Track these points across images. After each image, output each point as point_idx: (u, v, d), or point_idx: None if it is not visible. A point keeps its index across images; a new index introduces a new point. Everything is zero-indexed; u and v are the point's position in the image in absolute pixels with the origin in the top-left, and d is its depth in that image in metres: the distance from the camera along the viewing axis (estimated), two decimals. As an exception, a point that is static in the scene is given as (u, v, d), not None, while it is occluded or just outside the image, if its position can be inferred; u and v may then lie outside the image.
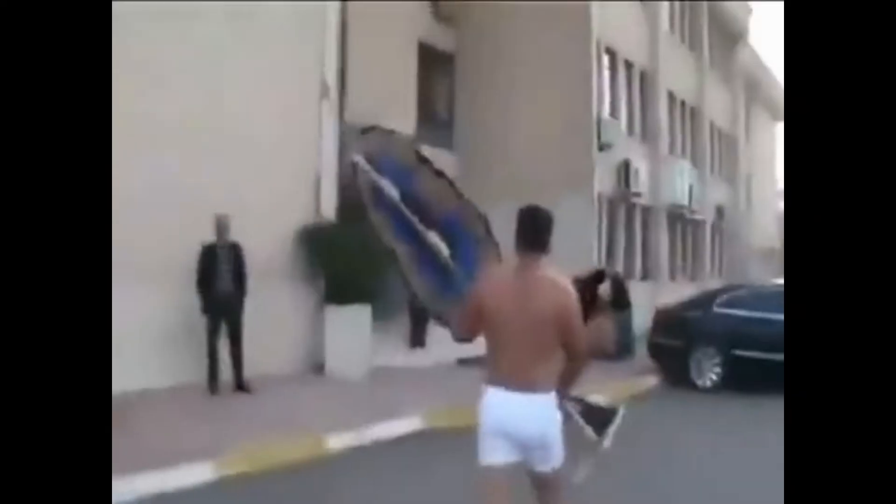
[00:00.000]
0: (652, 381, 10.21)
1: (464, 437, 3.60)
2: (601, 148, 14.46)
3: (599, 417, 3.67)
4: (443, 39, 15.59)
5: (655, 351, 10.48)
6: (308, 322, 9.81)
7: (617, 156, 14.81)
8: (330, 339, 9.73)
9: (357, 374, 9.53)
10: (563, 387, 3.13)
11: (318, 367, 9.65)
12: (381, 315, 10.49)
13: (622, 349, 11.66)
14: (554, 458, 3.10)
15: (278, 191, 9.62)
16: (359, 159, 4.53)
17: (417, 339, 11.70)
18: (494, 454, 3.06)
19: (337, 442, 6.36)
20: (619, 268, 15.27)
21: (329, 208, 10.26)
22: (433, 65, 15.58)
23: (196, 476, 5.17)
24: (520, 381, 2.99)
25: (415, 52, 14.70)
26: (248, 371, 8.33)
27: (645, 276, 17.02)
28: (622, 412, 3.93)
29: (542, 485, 3.16)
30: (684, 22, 20.36)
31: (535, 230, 3.10)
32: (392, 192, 4.36)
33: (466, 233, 4.46)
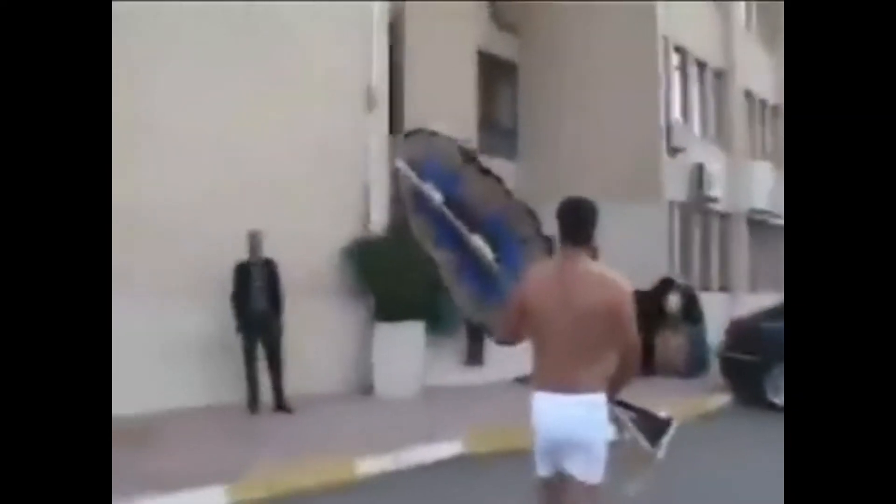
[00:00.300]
0: (723, 399, 9.35)
1: (506, 462, 3.54)
2: (671, 152, 13.64)
3: (654, 426, 3.39)
4: (504, 47, 15.16)
5: (728, 367, 9.59)
6: (357, 340, 9.51)
7: (689, 160, 13.91)
8: (379, 358, 9.41)
9: (407, 394, 9.17)
10: (612, 391, 2.92)
11: (368, 388, 9.34)
12: (436, 332, 10.09)
13: (694, 365, 10.80)
14: (594, 467, 2.86)
15: (325, 205, 9.40)
16: (401, 165, 4.36)
17: (474, 356, 11.20)
18: (547, 465, 2.90)
19: (368, 466, 5.96)
20: (695, 278, 14.34)
21: (379, 221, 9.97)
22: (494, 73, 15.17)
23: (205, 501, 4.88)
24: (564, 382, 2.82)
25: (474, 60, 14.32)
26: (293, 391, 8.08)
27: (723, 287, 15.94)
28: (675, 423, 3.59)
29: (572, 500, 2.88)
30: (761, 18, 19.16)
31: (577, 221, 2.93)
32: (434, 195, 4.13)
33: (512, 233, 4.28)
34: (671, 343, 11.00)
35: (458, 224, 4.17)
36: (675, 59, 14.42)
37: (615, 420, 3.08)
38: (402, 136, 4.80)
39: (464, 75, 14.07)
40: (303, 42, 9.22)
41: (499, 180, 4.30)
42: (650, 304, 11.26)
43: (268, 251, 8.07)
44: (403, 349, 9.42)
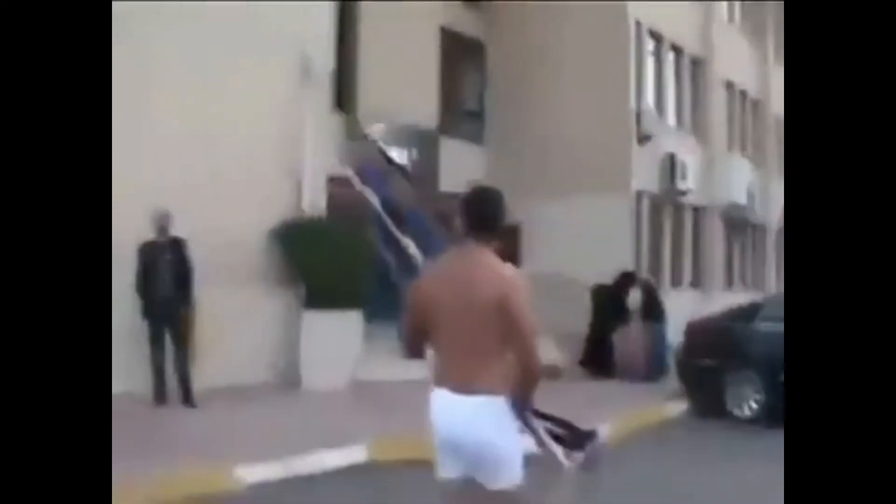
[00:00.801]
0: (679, 407, 8.64)
1: (411, 473, 3.25)
2: (641, 140, 12.89)
3: (574, 438, 3.07)
4: (470, 25, 14.34)
5: (685, 372, 8.86)
6: (286, 329, 8.77)
7: (661, 150, 13.16)
8: (306, 349, 8.69)
9: (334, 389, 8.46)
10: (519, 397, 2.70)
11: (295, 381, 8.62)
12: (373, 321, 9.38)
13: (653, 368, 10.10)
14: (500, 472, 2.68)
15: (254, 184, 8.64)
16: (350, 174, 4.87)
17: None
18: (446, 467, 2.76)
19: (251, 474, 5.23)
20: (665, 274, 13.63)
21: (314, 203, 9.21)
22: (460, 52, 14.35)
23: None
24: (459, 382, 2.67)
25: (436, 37, 13.53)
26: (214, 382, 7.45)
27: (695, 283, 15.24)
28: (601, 436, 3.35)
29: None
30: (746, 9, 18.38)
31: (479, 214, 2.76)
32: (373, 200, 4.65)
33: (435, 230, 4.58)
34: (629, 343, 10.30)
35: (391, 224, 4.52)
36: (649, 43, 13.63)
37: (529, 430, 2.85)
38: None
39: (425, 53, 13.26)
40: (238, 16, 8.43)
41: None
42: (608, 299, 10.57)
43: (190, 233, 7.36)
44: (333, 339, 8.69)
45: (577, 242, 12.64)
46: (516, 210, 13.83)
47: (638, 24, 13.04)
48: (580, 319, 11.08)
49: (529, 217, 13.63)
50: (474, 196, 2.82)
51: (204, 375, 7.56)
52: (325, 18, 9.51)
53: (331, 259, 8.72)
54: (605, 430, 7.01)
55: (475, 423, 2.65)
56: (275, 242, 8.73)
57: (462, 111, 14.75)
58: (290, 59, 9.02)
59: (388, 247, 4.75)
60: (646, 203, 13.44)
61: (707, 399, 8.40)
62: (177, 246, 7.25)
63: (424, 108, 13.16)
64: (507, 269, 2.68)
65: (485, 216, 2.76)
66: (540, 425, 2.97)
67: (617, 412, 7.84)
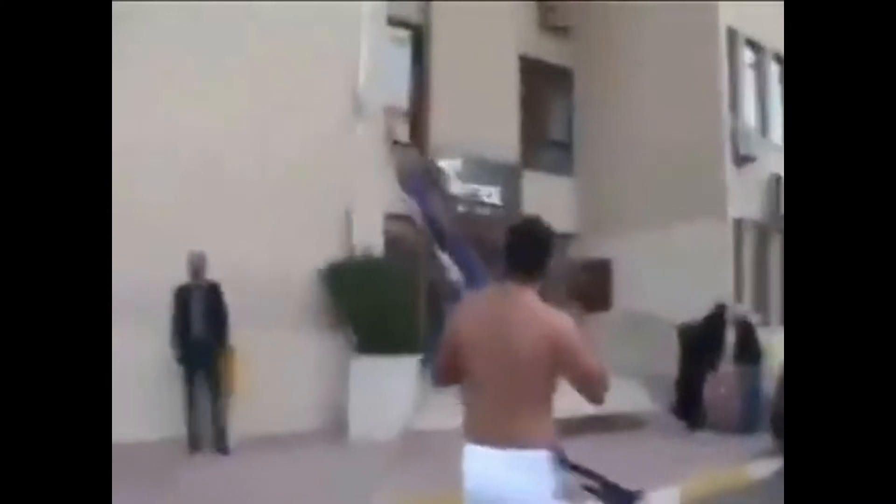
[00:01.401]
0: (770, 467, 7.34)
1: None
2: (739, 162, 11.58)
3: (616, 497, 2.71)
4: (555, 52, 13.72)
5: (779, 424, 7.57)
6: (334, 376, 8.40)
7: (764, 171, 11.75)
8: (355, 397, 8.26)
9: (383, 439, 7.95)
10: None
11: (343, 429, 8.21)
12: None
13: (747, 419, 8.77)
14: None
15: (303, 223, 8.44)
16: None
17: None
18: None
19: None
20: (772, 312, 12.05)
21: (366, 242, 8.86)
22: (544, 81, 13.74)
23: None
24: (498, 435, 2.44)
25: (515, 66, 13.00)
26: (255, 429, 7.26)
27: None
28: (645, 499, 2.95)
29: None
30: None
31: (523, 251, 2.56)
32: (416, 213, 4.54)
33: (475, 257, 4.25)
34: (719, 389, 9.05)
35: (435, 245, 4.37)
36: (747, 55, 12.32)
37: (566, 488, 2.51)
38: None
39: (503, 83, 12.76)
40: (286, 46, 8.38)
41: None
42: (697, 340, 9.36)
43: (236, 274, 7.31)
44: (383, 386, 8.21)
45: (671, 277, 11.48)
46: (607, 244, 13.20)
47: (732, 33, 11.80)
48: (674, 362, 9.94)
49: (621, 251, 12.67)
50: (519, 232, 2.58)
51: (244, 422, 7.38)
52: (380, 53, 9.25)
53: (382, 301, 8.30)
54: (673, 495, 6.05)
55: (516, 481, 2.39)
56: (323, 283, 8.46)
57: (548, 142, 14.06)
58: (341, 95, 8.84)
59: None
60: (748, 231, 12.01)
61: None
62: (212, 290, 7.14)
63: (504, 140, 12.62)
64: (553, 311, 2.49)
65: (530, 257, 2.54)
66: (579, 481, 2.62)
67: (694, 471, 6.80)
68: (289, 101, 8.33)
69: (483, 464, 2.46)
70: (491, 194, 12.20)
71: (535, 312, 2.48)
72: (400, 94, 11.89)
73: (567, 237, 13.56)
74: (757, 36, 12.21)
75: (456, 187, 11.78)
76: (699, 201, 11.49)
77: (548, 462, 2.41)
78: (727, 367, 9.16)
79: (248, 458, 6.89)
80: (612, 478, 2.72)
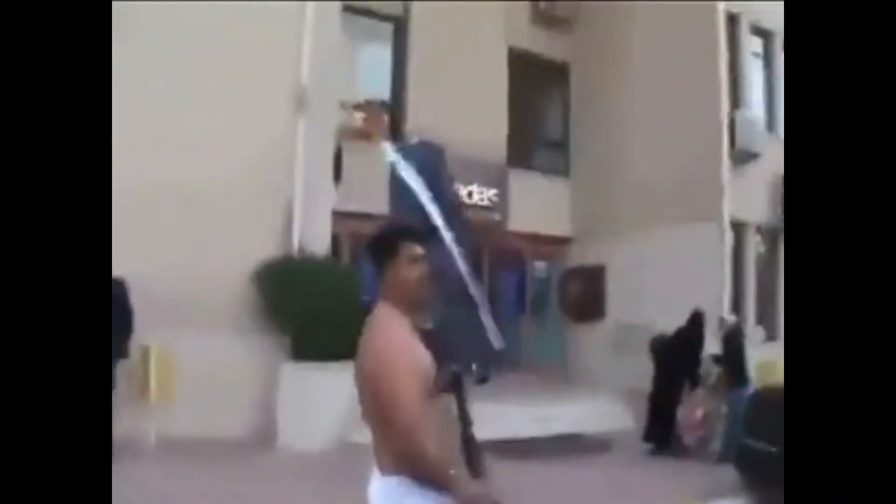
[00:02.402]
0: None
1: None
2: (739, 158, 10.49)
3: None
4: (550, 46, 12.87)
5: (745, 458, 6.53)
6: (264, 381, 7.82)
7: (767, 170, 10.60)
8: (283, 404, 7.66)
9: (313, 449, 7.32)
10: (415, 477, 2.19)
11: (272, 437, 7.62)
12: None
13: (727, 447, 7.64)
14: None
15: (241, 221, 7.93)
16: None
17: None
18: None
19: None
20: (777, 326, 10.84)
21: (309, 241, 8.27)
22: (538, 76, 12.92)
23: None
24: (375, 460, 2.34)
25: (504, 60, 12.24)
26: (185, 432, 6.92)
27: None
28: None
29: None
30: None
31: (370, 247, 2.43)
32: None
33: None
34: (696, 412, 8.03)
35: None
36: (754, 42, 11.19)
37: None
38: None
39: (491, 78, 12.01)
40: (228, 42, 7.91)
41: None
42: (670, 354, 8.37)
43: (167, 272, 7.06)
44: (315, 394, 7.59)
45: (668, 285, 10.48)
46: (601, 248, 12.26)
47: (735, 20, 10.74)
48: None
49: (616, 256, 11.73)
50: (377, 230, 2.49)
51: (166, 425, 6.94)
52: (328, 46, 8.64)
53: (317, 303, 7.68)
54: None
55: None
56: (256, 283, 7.90)
57: (541, 140, 13.22)
58: (284, 88, 8.28)
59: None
60: (750, 236, 10.88)
61: (774, 499, 6.02)
62: (117, 287, 6.64)
63: (491, 137, 11.85)
64: (381, 333, 2.28)
65: (373, 251, 2.41)
66: None
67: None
68: (227, 93, 7.85)
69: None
70: (472, 194, 11.45)
71: (368, 332, 2.32)
72: (379, 87, 11.37)
73: (561, 241, 12.69)
74: (765, 23, 11.09)
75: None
76: (697, 203, 10.47)
77: (398, 488, 2.22)
78: (703, 388, 8.14)
79: (162, 462, 6.42)
80: None
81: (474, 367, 2.78)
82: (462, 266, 4.19)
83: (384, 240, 2.40)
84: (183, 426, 7.02)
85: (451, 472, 2.18)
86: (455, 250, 4.29)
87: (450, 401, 2.36)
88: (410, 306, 2.35)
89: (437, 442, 2.17)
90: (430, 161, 4.64)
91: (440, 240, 4.19)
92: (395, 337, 2.26)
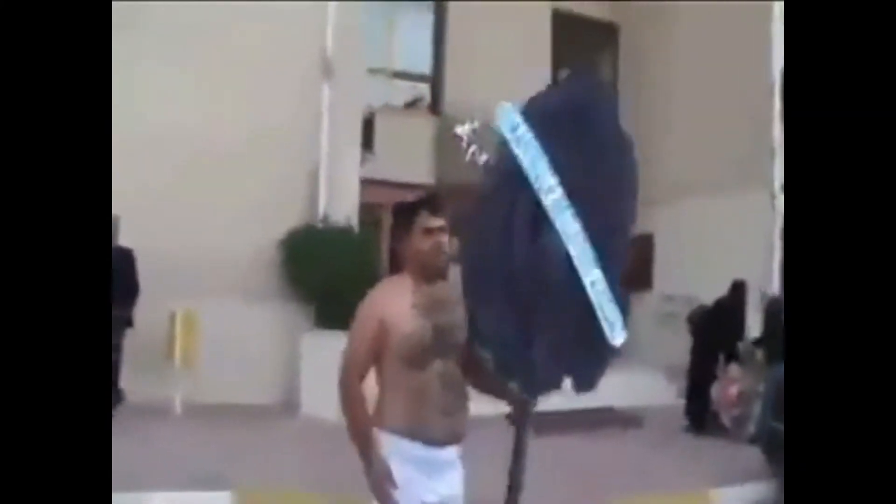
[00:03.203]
0: (753, 491, 5.91)
1: None
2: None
3: None
4: (598, 7, 12.24)
5: (772, 441, 6.08)
6: (290, 349, 7.83)
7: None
8: (306, 372, 7.66)
9: (334, 417, 7.28)
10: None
11: (295, 405, 7.65)
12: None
13: (759, 429, 7.16)
14: None
15: (266, 190, 7.92)
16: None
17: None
18: None
19: None
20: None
21: (335, 211, 8.17)
22: (583, 39, 12.34)
23: None
24: None
25: (547, 23, 11.74)
26: (210, 399, 7.05)
27: None
28: None
29: None
30: None
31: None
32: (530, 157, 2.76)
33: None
34: (731, 389, 7.56)
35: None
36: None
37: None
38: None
39: (534, 42, 11.54)
40: (254, 8, 7.83)
41: None
42: (708, 328, 7.90)
43: (194, 242, 7.19)
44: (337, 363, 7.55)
45: (716, 255, 9.94)
46: (649, 216, 11.71)
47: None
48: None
49: (664, 225, 11.17)
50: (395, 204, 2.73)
51: (191, 391, 7.07)
52: (355, 13, 8.43)
53: (340, 271, 7.62)
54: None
55: None
56: (281, 252, 7.88)
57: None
58: (309, 56, 8.15)
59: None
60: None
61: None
62: (122, 255, 6.71)
63: (533, 103, 11.43)
64: (369, 295, 2.50)
65: (392, 224, 2.71)
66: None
67: (645, 486, 5.62)
68: (252, 61, 7.80)
69: None
70: (511, 163, 11.11)
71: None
72: (417, 56, 11.15)
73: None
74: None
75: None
76: (747, 168, 9.79)
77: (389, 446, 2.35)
78: (739, 363, 7.65)
79: (186, 427, 6.61)
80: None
81: (570, 381, 2.30)
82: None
83: (401, 212, 2.49)
84: (207, 393, 7.13)
85: (368, 437, 2.33)
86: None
87: (452, 368, 2.38)
88: (425, 276, 2.39)
89: (414, 404, 2.31)
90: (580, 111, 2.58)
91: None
92: (376, 299, 2.41)
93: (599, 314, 2.19)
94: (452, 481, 2.45)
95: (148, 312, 6.90)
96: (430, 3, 11.29)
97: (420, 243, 2.40)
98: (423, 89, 11.47)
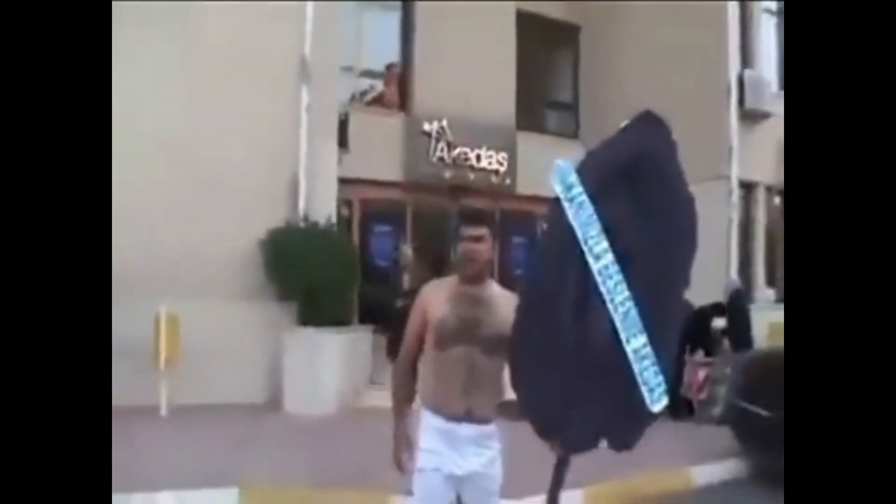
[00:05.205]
0: (725, 469, 6.16)
1: None
2: (747, 118, 10.06)
3: None
4: (559, 8, 12.39)
5: (737, 420, 6.34)
6: (274, 347, 7.76)
7: (779, 130, 10.14)
8: (289, 369, 7.61)
9: (316, 413, 7.29)
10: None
11: (278, 402, 7.60)
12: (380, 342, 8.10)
13: (725, 411, 7.43)
14: None
15: (248, 191, 7.81)
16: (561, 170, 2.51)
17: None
18: None
19: None
20: (782, 290, 10.51)
21: (313, 210, 8.11)
22: (546, 38, 12.48)
23: None
24: None
25: (512, 23, 11.82)
26: (194, 399, 6.93)
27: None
28: None
29: None
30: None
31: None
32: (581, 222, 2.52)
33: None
34: (697, 374, 7.83)
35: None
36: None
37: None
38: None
39: (499, 42, 11.62)
40: (232, 11, 7.68)
41: None
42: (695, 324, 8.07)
43: (177, 242, 7.13)
44: (320, 360, 7.53)
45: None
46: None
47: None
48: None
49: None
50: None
51: (177, 392, 6.94)
52: (330, 12, 8.35)
53: (319, 271, 7.58)
54: (575, 498, 5.05)
55: None
56: (262, 252, 7.79)
57: (551, 102, 12.84)
58: (286, 58, 8.04)
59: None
60: (760, 195, 10.48)
61: (768, 459, 5.82)
62: None
63: (498, 100, 11.53)
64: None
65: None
66: None
67: (623, 470, 5.75)
68: (231, 62, 7.66)
69: None
70: (480, 158, 11.18)
71: None
72: (386, 53, 11.11)
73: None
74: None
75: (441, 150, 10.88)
76: (705, 163, 10.07)
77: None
78: (719, 348, 7.92)
79: (171, 428, 6.51)
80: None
81: (606, 441, 2.25)
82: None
83: (455, 225, 2.80)
84: (190, 393, 7.00)
85: (397, 412, 2.67)
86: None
87: (473, 354, 2.53)
88: (461, 276, 2.64)
89: (439, 382, 2.54)
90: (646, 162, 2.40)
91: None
92: (423, 295, 2.69)
93: (640, 380, 2.12)
94: (475, 458, 2.55)
95: (131, 314, 6.73)
96: (397, 2, 11.25)
97: (459, 249, 2.64)
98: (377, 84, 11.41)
